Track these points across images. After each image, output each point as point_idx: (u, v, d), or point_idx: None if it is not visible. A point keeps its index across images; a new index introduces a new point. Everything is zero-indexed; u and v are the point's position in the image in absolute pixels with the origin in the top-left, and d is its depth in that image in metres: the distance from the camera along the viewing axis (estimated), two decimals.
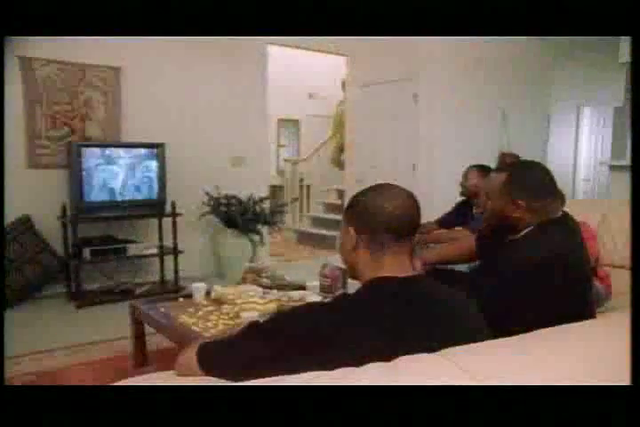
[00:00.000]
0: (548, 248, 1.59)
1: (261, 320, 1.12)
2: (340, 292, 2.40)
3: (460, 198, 3.41)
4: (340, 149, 7.01)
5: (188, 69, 4.45)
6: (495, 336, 1.02)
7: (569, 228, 1.71)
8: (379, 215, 1.11)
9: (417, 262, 2.22)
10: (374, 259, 1.12)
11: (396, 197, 1.13)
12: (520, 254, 1.62)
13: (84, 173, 3.68)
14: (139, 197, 3.93)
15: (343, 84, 6.42)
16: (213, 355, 1.08)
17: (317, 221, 6.80)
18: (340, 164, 7.06)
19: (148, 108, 4.26)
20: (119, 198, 3.85)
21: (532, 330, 0.97)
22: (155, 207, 4.00)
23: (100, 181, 3.76)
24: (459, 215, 3.30)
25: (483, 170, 3.27)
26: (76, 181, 3.66)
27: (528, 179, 1.65)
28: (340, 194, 6.51)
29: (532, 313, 1.52)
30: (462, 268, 2.47)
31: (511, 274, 1.58)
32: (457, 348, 0.76)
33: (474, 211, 3.23)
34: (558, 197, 1.73)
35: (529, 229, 1.65)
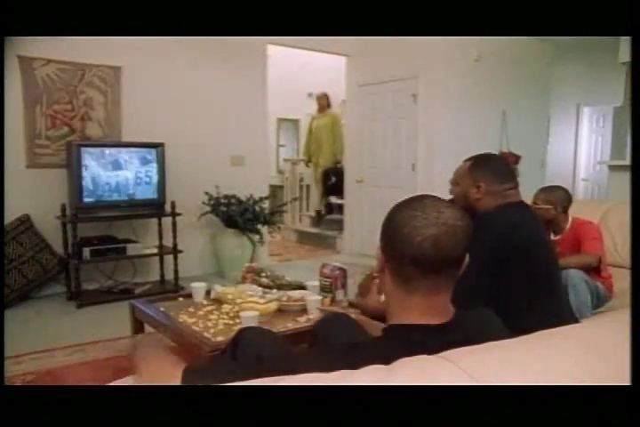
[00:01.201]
0: (505, 223, 1.68)
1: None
2: (340, 290, 2.40)
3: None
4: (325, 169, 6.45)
5: (187, 69, 4.45)
6: None
7: (528, 210, 1.82)
8: (405, 244, 0.92)
9: None
10: (401, 293, 0.96)
11: (433, 224, 0.91)
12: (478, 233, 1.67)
13: (83, 172, 3.67)
14: (138, 196, 3.93)
15: (321, 101, 6.42)
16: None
17: (317, 221, 6.80)
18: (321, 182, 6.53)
19: (148, 107, 4.26)
20: (119, 198, 3.85)
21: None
22: (154, 207, 4.00)
23: (99, 181, 3.76)
24: None
25: None
26: (76, 181, 3.66)
27: (488, 165, 1.81)
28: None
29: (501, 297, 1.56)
30: None
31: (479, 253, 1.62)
32: (457, 349, 0.76)
33: None
34: (516, 185, 1.84)
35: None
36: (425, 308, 0.94)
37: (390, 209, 1.00)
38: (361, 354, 0.88)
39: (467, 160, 1.84)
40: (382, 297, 1.08)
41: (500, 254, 1.61)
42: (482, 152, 1.90)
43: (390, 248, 0.96)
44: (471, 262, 1.59)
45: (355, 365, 0.76)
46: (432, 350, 0.81)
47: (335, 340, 1.50)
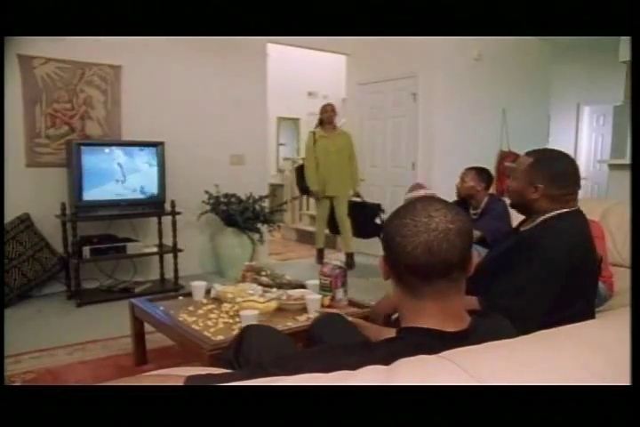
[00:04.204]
0: (573, 232, 1.62)
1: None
2: (339, 289, 2.40)
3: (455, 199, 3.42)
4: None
5: (187, 68, 4.45)
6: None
7: (585, 218, 1.73)
8: (398, 254, 0.92)
9: None
10: (411, 301, 0.95)
11: (418, 231, 0.90)
12: (543, 242, 1.61)
13: (83, 171, 3.67)
14: (138, 195, 3.93)
15: (327, 113, 4.85)
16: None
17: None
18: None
19: (148, 106, 4.26)
20: (118, 197, 3.84)
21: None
22: (154, 206, 4.00)
23: (99, 180, 3.76)
24: None
25: (479, 172, 3.29)
26: (76, 180, 3.66)
27: (551, 166, 1.68)
28: None
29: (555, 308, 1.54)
30: None
31: (542, 264, 1.56)
32: (458, 349, 0.76)
33: (471, 212, 3.24)
34: (577, 190, 1.75)
35: (546, 217, 1.67)
36: (438, 313, 0.93)
37: (388, 217, 0.99)
38: (374, 355, 0.88)
39: (528, 154, 1.70)
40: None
41: (566, 264, 1.56)
42: (544, 148, 1.79)
43: (389, 259, 0.96)
44: (529, 269, 1.55)
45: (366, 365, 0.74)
46: None
47: (329, 341, 1.50)
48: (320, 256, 5.12)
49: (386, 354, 0.82)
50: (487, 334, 0.92)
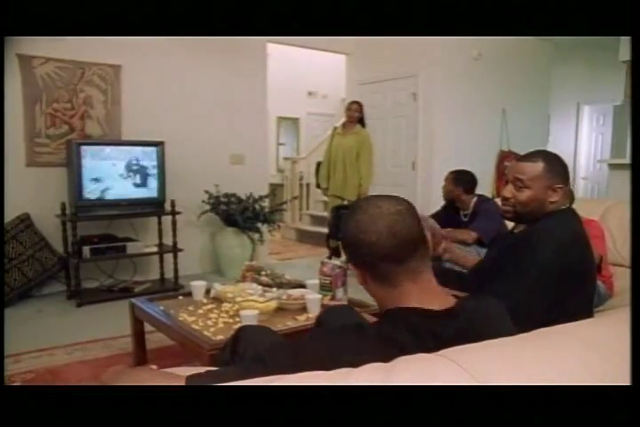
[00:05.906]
0: (559, 237, 1.61)
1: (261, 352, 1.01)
2: (339, 289, 2.40)
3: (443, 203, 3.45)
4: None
5: (187, 67, 4.45)
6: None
7: (578, 219, 1.72)
8: (362, 248, 0.97)
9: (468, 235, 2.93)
10: (391, 291, 0.99)
11: (375, 220, 0.95)
12: (548, 242, 1.60)
13: (83, 171, 3.67)
14: (138, 195, 3.93)
15: (349, 111, 4.66)
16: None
17: (317, 220, 6.80)
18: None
19: (148, 106, 4.26)
20: (118, 197, 3.84)
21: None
22: (154, 206, 4.00)
23: (99, 180, 3.75)
24: (447, 218, 3.25)
25: (457, 175, 3.31)
26: (76, 180, 3.65)
27: (560, 163, 1.68)
28: None
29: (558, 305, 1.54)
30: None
31: (547, 261, 1.56)
32: (457, 347, 0.76)
33: (461, 213, 3.27)
34: None
35: (545, 217, 1.66)
36: (417, 293, 0.97)
37: (342, 227, 1.03)
38: (368, 336, 0.92)
39: (529, 159, 1.66)
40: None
41: (556, 263, 1.55)
42: (535, 150, 1.74)
43: (358, 259, 1.00)
44: (520, 270, 1.55)
45: (362, 347, 0.79)
46: (435, 334, 0.87)
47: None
48: (331, 255, 4.90)
49: (377, 335, 0.89)
50: (476, 312, 0.96)
